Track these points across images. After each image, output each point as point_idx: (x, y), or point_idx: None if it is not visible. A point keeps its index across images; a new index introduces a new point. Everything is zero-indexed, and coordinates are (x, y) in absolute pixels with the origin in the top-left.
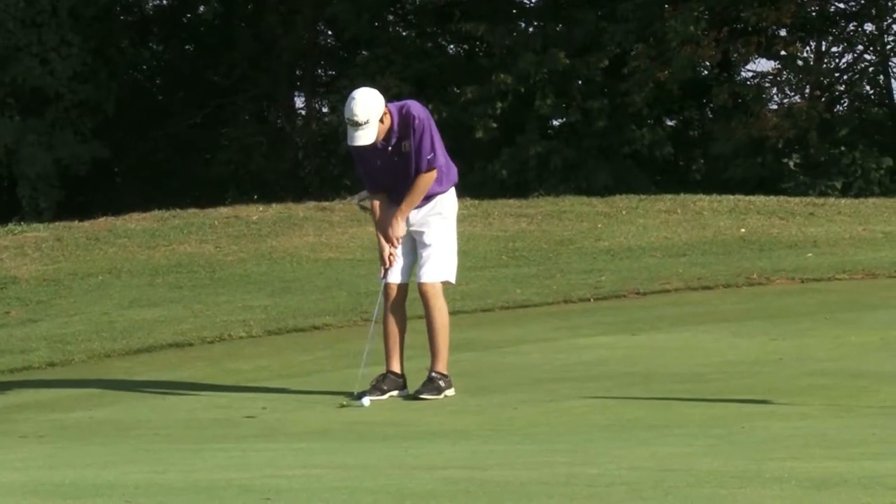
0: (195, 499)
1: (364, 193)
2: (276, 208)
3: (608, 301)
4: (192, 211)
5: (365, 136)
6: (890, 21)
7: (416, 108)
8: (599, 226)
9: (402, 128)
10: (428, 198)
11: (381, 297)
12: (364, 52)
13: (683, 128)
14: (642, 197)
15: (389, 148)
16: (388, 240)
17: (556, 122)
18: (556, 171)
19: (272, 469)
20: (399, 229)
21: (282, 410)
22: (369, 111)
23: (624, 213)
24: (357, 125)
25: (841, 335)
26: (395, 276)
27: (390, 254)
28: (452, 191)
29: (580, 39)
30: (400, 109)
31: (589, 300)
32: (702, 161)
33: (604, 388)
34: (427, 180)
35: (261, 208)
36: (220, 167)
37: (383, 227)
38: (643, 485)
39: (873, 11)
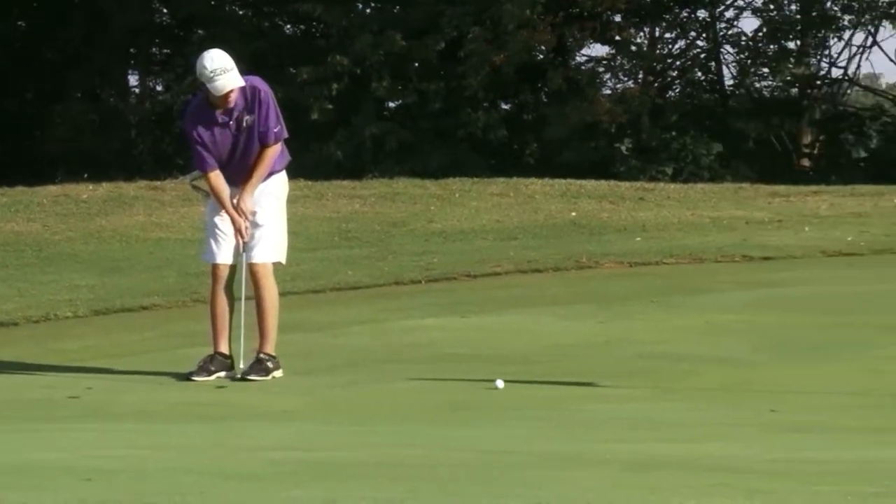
0: (16, 479)
1: (196, 173)
2: (106, 187)
3: (439, 283)
4: (19, 189)
5: (232, 80)
6: (722, 8)
7: (261, 82)
8: (432, 208)
9: (247, 101)
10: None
11: (243, 273)
12: (200, 31)
13: (518, 111)
14: (475, 180)
15: (231, 122)
16: (242, 214)
17: (391, 104)
18: (392, 153)
19: (95, 449)
20: (251, 203)
21: (107, 391)
22: (226, 58)
23: (457, 195)
24: (222, 72)
25: (667, 319)
26: (225, 257)
27: (246, 227)
28: (284, 172)
29: (417, 21)
30: (244, 83)
31: (420, 282)
32: (535, 145)
33: (432, 370)
34: (273, 153)
35: (91, 187)
36: (51, 145)
37: (230, 201)
38: (467, 467)
39: None
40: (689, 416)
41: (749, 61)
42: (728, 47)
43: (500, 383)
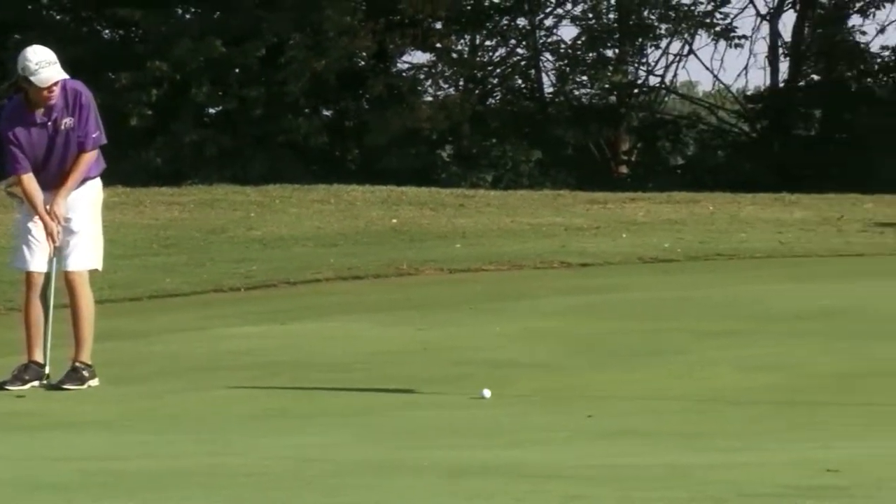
0: None
1: (13, 179)
2: None
3: (259, 290)
4: None
5: (56, 72)
6: (542, 16)
7: (82, 86)
8: (252, 215)
9: (67, 103)
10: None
11: (53, 281)
12: (17, 36)
13: (340, 118)
14: (296, 187)
15: (49, 123)
16: (55, 219)
17: (211, 111)
18: (211, 160)
19: None
20: (64, 207)
21: None
22: (49, 52)
23: (277, 202)
24: (46, 64)
25: (486, 325)
26: (38, 264)
27: (58, 232)
28: (99, 178)
29: (237, 27)
30: (64, 85)
31: (240, 289)
32: (357, 151)
33: (250, 378)
34: (90, 159)
35: None
36: None
37: (43, 206)
38: (284, 475)
39: (526, 7)
40: (506, 423)
41: (568, 69)
42: (547, 55)
43: (486, 393)
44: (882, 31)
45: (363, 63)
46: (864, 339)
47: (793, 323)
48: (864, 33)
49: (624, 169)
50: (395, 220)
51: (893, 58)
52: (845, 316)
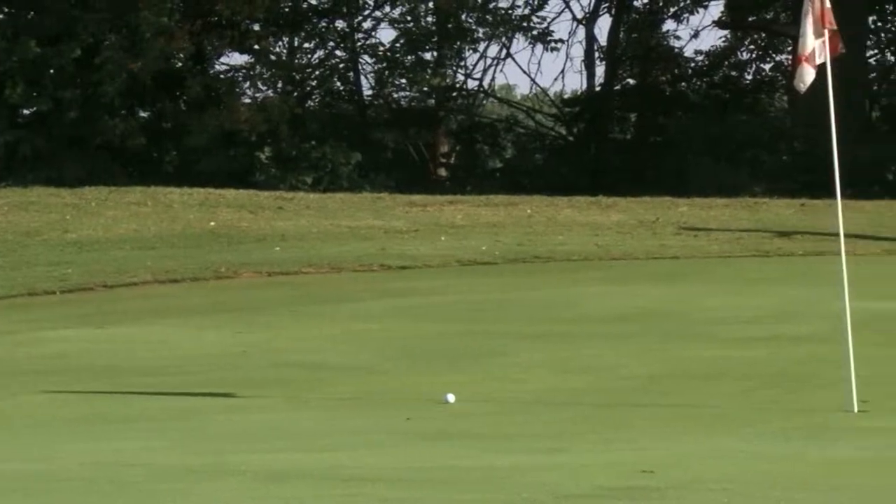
0: None
1: None
2: None
3: (74, 294)
4: None
5: None
6: (360, 19)
7: None
8: (68, 217)
9: None
10: None
11: None
12: None
13: (157, 119)
14: (112, 188)
15: None
16: None
17: (26, 112)
18: (26, 161)
19: None
20: None
21: None
22: None
23: (93, 204)
24: None
25: (304, 328)
26: None
27: None
28: None
29: (52, 28)
30: None
31: (55, 293)
32: (175, 153)
33: (66, 382)
34: None
35: None
36: None
37: None
38: (100, 480)
39: (344, 9)
40: (324, 426)
41: (387, 72)
42: (366, 57)
43: (450, 397)
44: (695, 35)
45: (180, 64)
46: (676, 340)
47: (608, 325)
48: (678, 38)
49: (443, 172)
50: (213, 223)
51: (707, 62)
52: (659, 318)
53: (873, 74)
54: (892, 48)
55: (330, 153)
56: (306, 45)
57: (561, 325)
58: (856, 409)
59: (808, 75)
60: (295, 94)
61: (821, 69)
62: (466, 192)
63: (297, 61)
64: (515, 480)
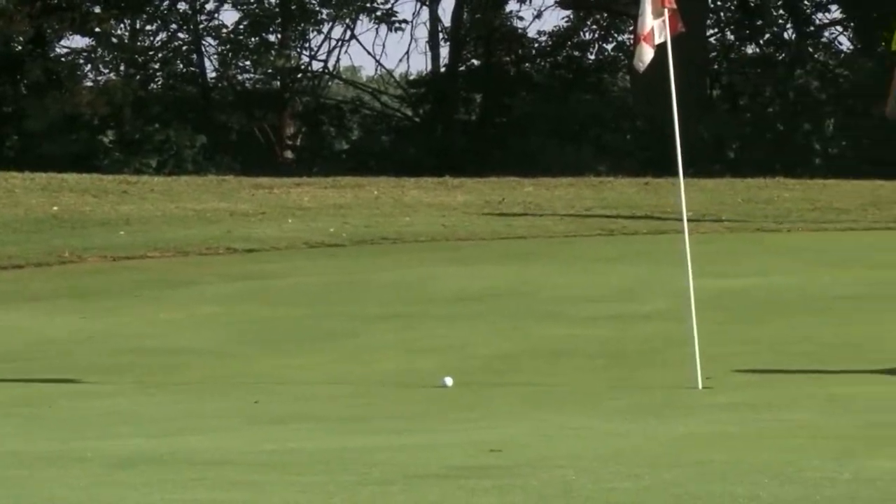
0: None
1: None
2: None
3: None
4: None
5: None
6: (203, 1)
7: None
8: None
9: None
10: None
11: None
12: None
13: None
14: None
15: None
16: None
17: None
18: None
19: None
20: None
21: None
22: None
23: None
24: None
25: (152, 312)
26: None
27: None
28: None
29: None
30: None
31: None
32: (16, 137)
33: None
34: None
35: None
36: None
37: None
38: None
39: None
40: (173, 410)
41: (230, 54)
42: (209, 39)
43: (448, 381)
44: (538, 16)
45: (20, 48)
46: (524, 320)
47: (457, 305)
48: (521, 18)
49: (289, 154)
50: (56, 208)
51: (550, 43)
52: (507, 298)
53: (713, 53)
54: (731, 27)
55: (174, 136)
56: (148, 27)
57: (410, 305)
58: (700, 386)
59: (646, 55)
60: (138, 76)
61: (662, 48)
62: (313, 174)
63: (139, 44)
64: (365, 461)
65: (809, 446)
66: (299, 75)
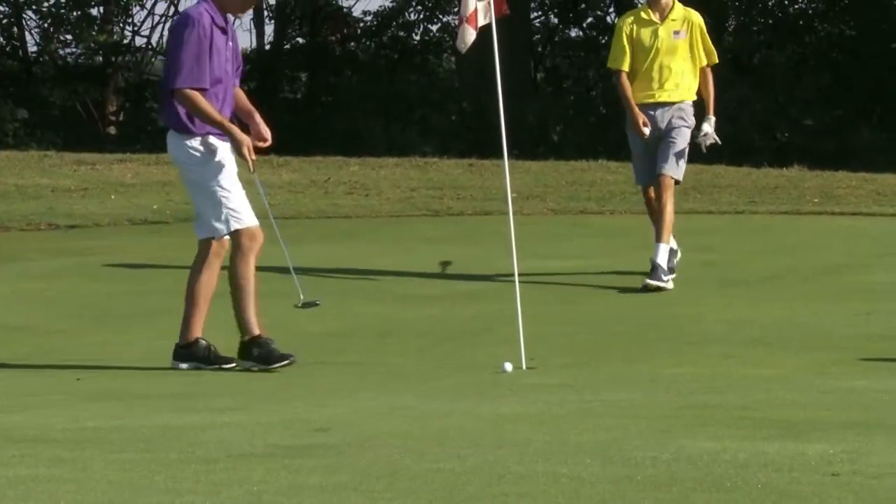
0: None
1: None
2: None
3: None
4: None
5: None
6: None
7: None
8: None
9: None
10: None
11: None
12: None
13: None
14: None
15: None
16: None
17: None
18: None
19: None
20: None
21: None
22: None
23: None
24: None
25: None
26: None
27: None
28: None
29: None
30: None
31: None
32: None
33: None
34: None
35: None
36: None
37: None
38: None
39: None
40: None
41: (52, 28)
42: (30, 13)
43: (508, 366)
44: None
45: None
46: (350, 298)
47: (283, 284)
48: None
49: (112, 130)
50: None
51: (376, 23)
52: (333, 276)
53: (537, 36)
54: (555, 10)
55: None
56: None
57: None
58: (524, 367)
59: (469, 36)
60: None
61: (486, 30)
62: (136, 151)
63: None
64: (189, 439)
65: (631, 426)
66: (122, 50)
